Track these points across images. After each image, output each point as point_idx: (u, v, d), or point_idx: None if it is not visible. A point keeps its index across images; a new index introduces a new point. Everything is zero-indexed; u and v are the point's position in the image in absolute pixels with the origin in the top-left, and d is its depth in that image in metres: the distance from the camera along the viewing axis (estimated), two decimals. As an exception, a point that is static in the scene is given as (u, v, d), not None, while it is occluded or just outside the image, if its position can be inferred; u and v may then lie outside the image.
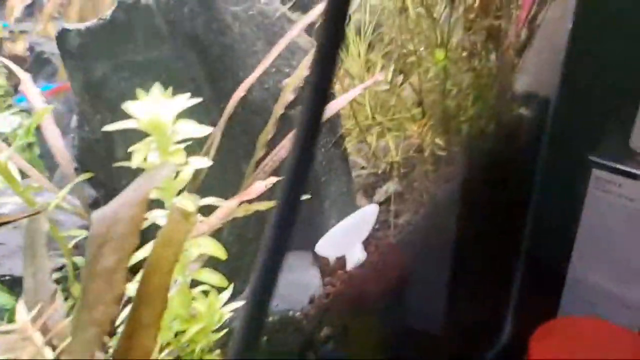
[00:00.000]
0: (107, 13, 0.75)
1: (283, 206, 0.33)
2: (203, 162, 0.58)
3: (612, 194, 1.08)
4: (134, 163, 0.53)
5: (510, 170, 1.14)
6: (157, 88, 0.55)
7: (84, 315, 0.47)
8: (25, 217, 0.72)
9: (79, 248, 0.85)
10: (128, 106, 0.53)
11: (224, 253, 0.60)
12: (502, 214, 1.14)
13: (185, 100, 0.55)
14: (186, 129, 0.55)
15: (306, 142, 0.32)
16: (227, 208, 0.67)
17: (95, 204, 0.99)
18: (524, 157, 1.18)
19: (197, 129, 0.55)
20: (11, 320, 0.83)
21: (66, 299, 0.82)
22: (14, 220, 0.72)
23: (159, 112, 0.53)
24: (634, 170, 1.01)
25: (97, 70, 0.78)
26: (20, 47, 1.59)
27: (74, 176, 0.86)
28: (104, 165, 0.88)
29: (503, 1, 1.06)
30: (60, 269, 0.88)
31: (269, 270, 0.34)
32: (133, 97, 0.75)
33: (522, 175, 1.18)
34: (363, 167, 1.06)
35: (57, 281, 0.87)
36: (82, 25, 0.77)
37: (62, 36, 0.78)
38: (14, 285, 0.85)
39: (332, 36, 0.31)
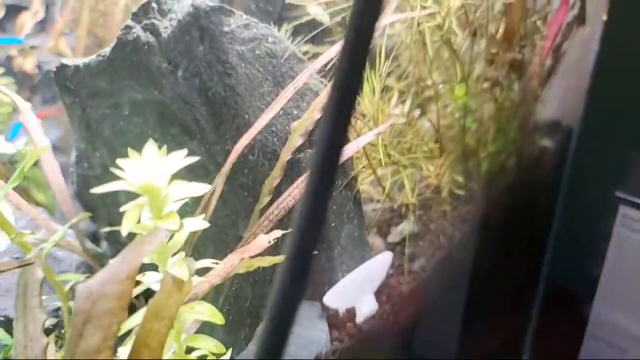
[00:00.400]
0: (106, 50, 0.70)
1: (293, 260, 0.30)
2: (199, 224, 0.53)
3: (640, 233, 1.02)
4: (124, 230, 0.48)
5: (531, 207, 1.09)
6: (151, 145, 0.51)
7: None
8: (17, 266, 0.68)
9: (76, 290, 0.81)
10: (120, 167, 0.48)
11: (221, 318, 0.56)
12: (522, 252, 1.09)
13: (181, 159, 0.50)
14: (181, 189, 0.50)
15: (319, 193, 0.29)
16: (228, 264, 0.63)
17: (95, 239, 0.96)
18: (546, 192, 1.12)
19: (193, 189, 0.51)
20: (5, 358, 0.80)
21: (60, 347, 0.78)
22: (6, 270, 0.68)
23: (152, 175, 0.48)
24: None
25: (95, 107, 0.74)
26: (29, 64, 1.56)
27: (72, 214, 0.82)
28: (103, 201, 0.84)
29: (527, 31, 1.00)
30: (57, 310, 0.84)
31: (279, 329, 0.31)
32: (132, 136, 0.71)
33: (543, 211, 1.13)
34: (378, 201, 1.00)
35: (53, 326, 0.84)
36: (80, 61, 0.73)
37: (60, 71, 0.74)
38: (9, 325, 0.82)
39: (350, 80, 0.28)
